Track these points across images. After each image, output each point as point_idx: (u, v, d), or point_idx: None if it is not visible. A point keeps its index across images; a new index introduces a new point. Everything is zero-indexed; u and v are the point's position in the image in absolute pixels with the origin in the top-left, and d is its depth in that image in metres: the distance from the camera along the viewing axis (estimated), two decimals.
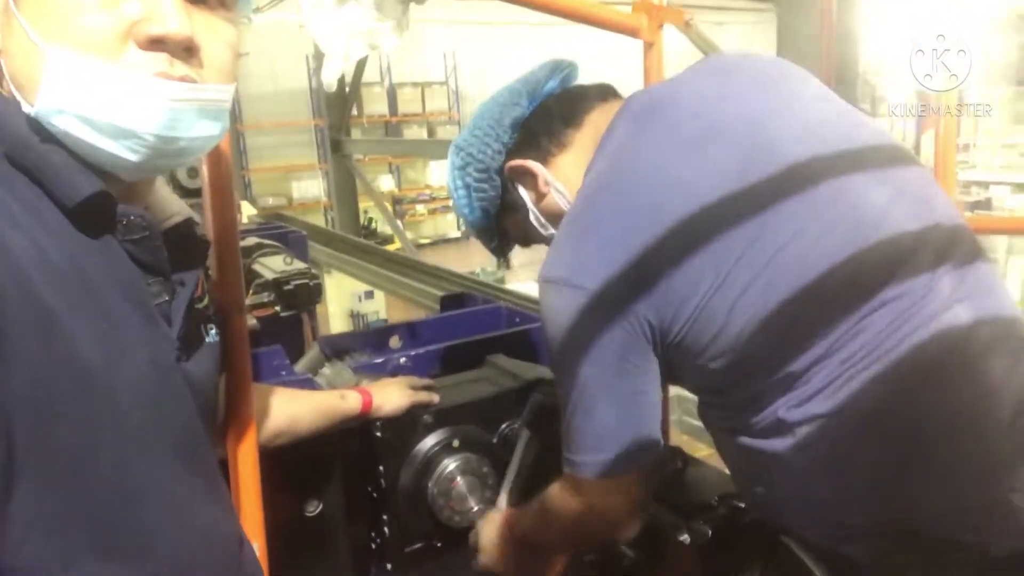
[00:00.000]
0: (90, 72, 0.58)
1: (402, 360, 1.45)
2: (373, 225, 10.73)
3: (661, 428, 0.93)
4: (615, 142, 0.95)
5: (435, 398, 1.26)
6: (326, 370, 1.46)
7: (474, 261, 8.62)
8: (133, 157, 0.62)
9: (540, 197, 1.04)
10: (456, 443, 1.26)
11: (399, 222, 8.50)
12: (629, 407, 0.89)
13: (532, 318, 1.65)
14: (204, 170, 0.87)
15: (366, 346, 1.56)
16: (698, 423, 1.01)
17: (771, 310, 0.80)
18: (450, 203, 1.18)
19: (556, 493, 1.00)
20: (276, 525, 0.92)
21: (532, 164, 1.02)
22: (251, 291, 2.00)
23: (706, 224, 0.82)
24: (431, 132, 11.96)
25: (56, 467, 0.57)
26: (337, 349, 1.52)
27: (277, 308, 2.00)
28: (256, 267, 2.13)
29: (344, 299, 5.99)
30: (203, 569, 0.71)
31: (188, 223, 0.76)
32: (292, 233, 2.76)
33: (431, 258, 6.07)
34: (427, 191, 12.34)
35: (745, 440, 0.86)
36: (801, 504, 0.86)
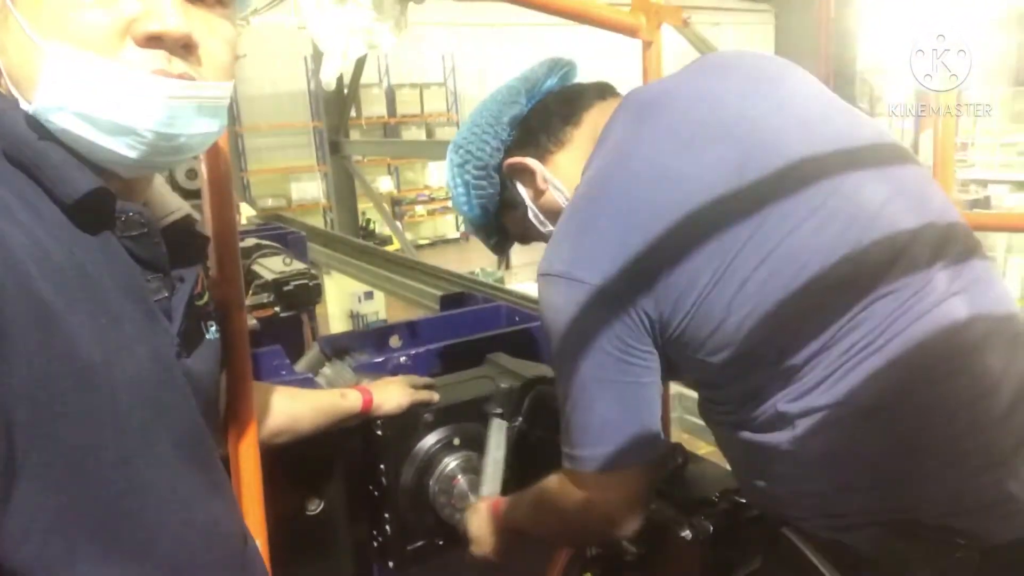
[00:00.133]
0: (88, 69, 0.58)
1: (402, 359, 1.45)
2: (371, 226, 10.73)
3: (661, 424, 0.93)
4: (613, 139, 0.95)
5: (435, 397, 1.26)
6: (326, 370, 1.46)
7: (473, 262, 8.63)
8: (132, 154, 0.62)
9: (539, 194, 1.04)
10: (457, 441, 1.26)
11: (398, 223, 8.50)
12: (630, 401, 0.89)
13: (532, 317, 1.66)
14: (203, 167, 0.87)
15: (366, 345, 1.56)
16: (699, 421, 1.01)
17: (769, 305, 0.80)
18: (449, 204, 1.18)
19: (555, 487, 1.00)
20: (278, 524, 0.92)
21: (530, 161, 1.03)
22: (251, 292, 2.00)
23: (704, 220, 0.83)
24: (430, 133, 11.97)
25: (57, 465, 0.57)
26: (337, 349, 1.52)
27: (277, 309, 2.01)
28: (255, 268, 2.13)
29: (344, 300, 6.00)
30: (205, 566, 0.70)
31: (187, 219, 0.76)
32: (291, 234, 2.76)
33: (430, 259, 6.07)
34: (426, 192, 12.34)
35: (745, 434, 0.87)
36: (801, 496, 0.86)
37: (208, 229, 0.87)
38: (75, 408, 0.58)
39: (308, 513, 1.20)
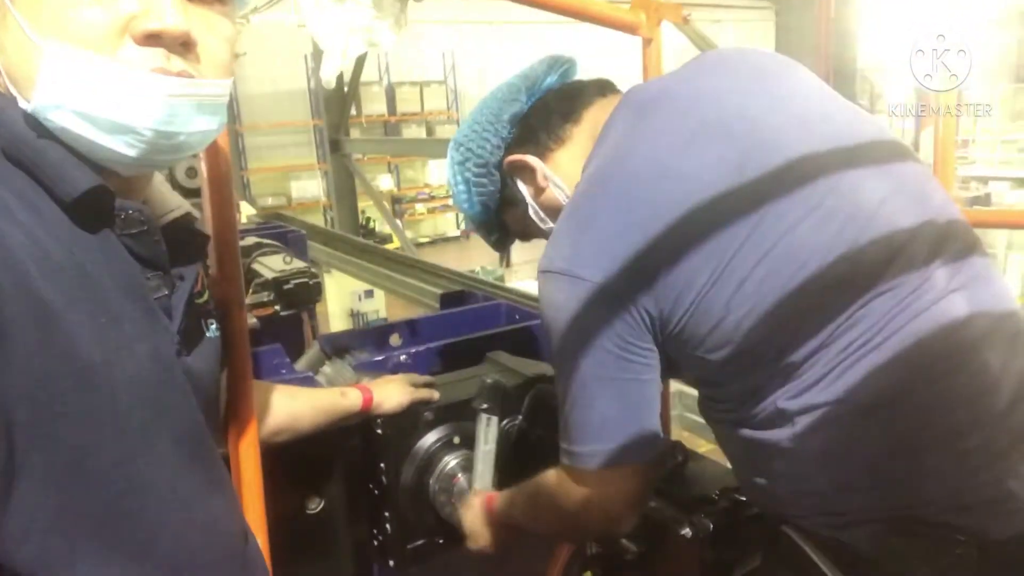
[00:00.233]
0: (87, 68, 0.58)
1: (402, 358, 1.45)
2: (371, 224, 10.72)
3: (661, 422, 0.93)
4: (613, 136, 0.95)
5: (435, 395, 1.26)
6: (326, 368, 1.46)
7: (474, 260, 8.63)
8: (131, 152, 0.62)
9: (539, 192, 1.04)
10: (457, 440, 1.26)
11: (398, 221, 8.50)
12: (630, 398, 0.89)
13: (532, 315, 1.65)
14: (203, 166, 0.87)
15: (366, 344, 1.56)
16: (699, 419, 1.01)
17: (769, 302, 0.80)
18: (449, 202, 1.18)
19: (553, 482, 0.99)
20: (278, 522, 0.93)
21: (530, 159, 1.03)
22: (251, 290, 2.00)
23: (704, 217, 0.83)
24: (430, 131, 11.95)
25: (57, 464, 0.57)
26: (337, 347, 1.52)
27: (277, 307, 2.01)
28: (256, 266, 2.13)
29: (344, 298, 6.00)
30: (206, 565, 0.70)
31: (187, 218, 0.76)
32: (291, 232, 2.76)
33: (430, 257, 6.07)
34: (426, 190, 12.32)
35: (745, 432, 0.87)
36: (801, 494, 0.86)
37: (208, 227, 0.87)
38: (75, 408, 0.58)
39: (308, 512, 1.20)
